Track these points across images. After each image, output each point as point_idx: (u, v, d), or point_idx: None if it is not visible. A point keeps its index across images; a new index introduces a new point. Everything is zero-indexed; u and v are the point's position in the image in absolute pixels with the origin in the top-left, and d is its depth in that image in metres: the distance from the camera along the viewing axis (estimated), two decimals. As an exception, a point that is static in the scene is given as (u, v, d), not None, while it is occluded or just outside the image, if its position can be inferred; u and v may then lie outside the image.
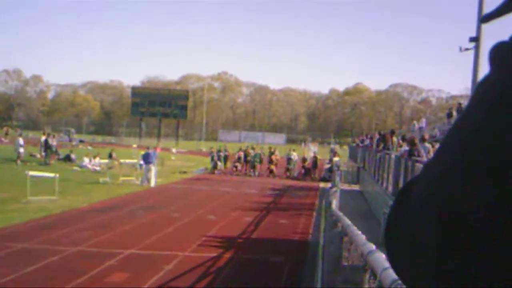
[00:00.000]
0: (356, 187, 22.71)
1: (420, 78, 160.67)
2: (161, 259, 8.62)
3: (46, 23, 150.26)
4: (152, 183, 19.93)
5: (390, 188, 13.01)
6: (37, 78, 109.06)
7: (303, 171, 28.75)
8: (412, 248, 0.40)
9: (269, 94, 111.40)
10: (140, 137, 63.41)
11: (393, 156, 13.27)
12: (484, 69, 0.40)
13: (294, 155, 29.42)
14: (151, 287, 7.15)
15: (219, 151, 29.71)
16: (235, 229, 11.86)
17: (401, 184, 11.81)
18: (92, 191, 16.96)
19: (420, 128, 30.37)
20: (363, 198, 18.99)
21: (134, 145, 39.22)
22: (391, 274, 1.76)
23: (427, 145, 11.69)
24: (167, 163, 30.44)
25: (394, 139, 16.98)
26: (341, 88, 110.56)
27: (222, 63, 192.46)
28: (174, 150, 46.08)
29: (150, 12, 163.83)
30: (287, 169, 28.50)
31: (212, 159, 29.05)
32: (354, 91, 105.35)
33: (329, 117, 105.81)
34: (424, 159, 10.12)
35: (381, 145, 17.09)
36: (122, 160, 23.02)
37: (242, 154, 29.20)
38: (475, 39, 17.06)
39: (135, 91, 67.49)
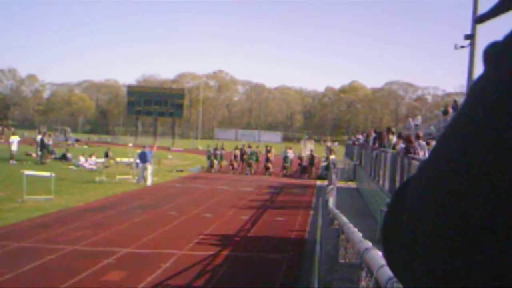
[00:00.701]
0: (352, 185, 22.76)
1: (416, 75, 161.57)
2: (158, 257, 8.62)
3: (41, 22, 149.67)
4: (149, 182, 19.91)
5: (386, 185, 13.05)
6: (32, 78, 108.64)
7: (299, 169, 28.76)
8: (409, 248, 0.40)
9: (265, 93, 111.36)
10: (136, 136, 63.24)
11: (389, 153, 13.30)
12: (480, 66, 0.41)
13: (291, 153, 29.44)
14: (148, 285, 7.14)
15: (215, 149, 29.69)
16: (232, 227, 11.87)
17: (397, 182, 11.85)
18: (88, 190, 16.92)
19: (416, 126, 30.44)
20: (360, 196, 19.03)
21: (130, 144, 39.07)
22: (387, 272, 1.77)
23: (422, 142, 11.71)
24: (164, 162, 30.41)
25: (391, 136, 17.01)
26: (337, 86, 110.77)
27: (218, 61, 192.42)
28: (172, 148, 46.01)
29: (145, 11, 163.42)
30: (284, 167, 28.53)
31: (209, 157, 29.04)
32: (350, 89, 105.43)
33: (325, 115, 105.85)
34: (421, 156, 10.15)
35: (377, 143, 17.12)
36: (118, 159, 22.99)
37: (238, 152, 29.20)
38: (470, 37, 17.11)
39: (131, 90, 67.22)
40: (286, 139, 78.61)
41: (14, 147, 25.72)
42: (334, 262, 4.07)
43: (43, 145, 26.48)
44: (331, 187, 11.33)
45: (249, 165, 28.28)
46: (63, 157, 28.35)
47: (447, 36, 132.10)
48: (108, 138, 69.02)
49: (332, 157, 28.23)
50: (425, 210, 0.38)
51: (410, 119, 34.34)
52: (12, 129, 38.31)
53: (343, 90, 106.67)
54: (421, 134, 12.78)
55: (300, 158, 30.12)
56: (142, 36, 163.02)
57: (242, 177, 26.18)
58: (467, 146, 0.36)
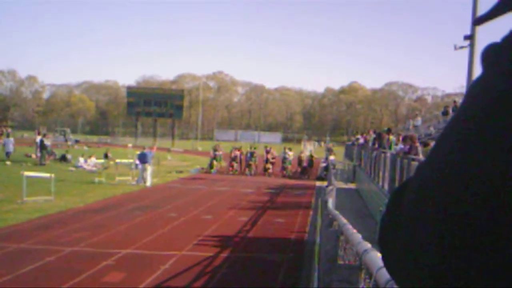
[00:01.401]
0: (352, 186, 22.74)
1: (416, 76, 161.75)
2: (158, 258, 8.61)
3: (41, 23, 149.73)
4: (148, 183, 19.89)
5: (386, 186, 13.04)
6: (32, 79, 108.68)
7: (299, 169, 28.75)
8: (407, 250, 0.40)
9: (264, 93, 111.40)
10: (136, 136, 63.28)
11: (389, 154, 13.29)
12: (479, 67, 0.41)
13: (290, 154, 29.40)
14: (148, 287, 7.14)
15: (215, 150, 29.66)
16: (231, 228, 11.86)
17: (397, 182, 11.84)
18: (88, 191, 16.91)
19: (416, 126, 30.45)
20: (359, 197, 19.01)
21: (130, 145, 39.08)
22: (386, 273, 1.76)
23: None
24: (163, 163, 30.39)
25: (391, 137, 17.00)
26: (336, 86, 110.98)
27: (218, 62, 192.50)
28: (172, 149, 46.01)
29: (145, 12, 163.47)
30: (283, 168, 28.50)
31: (214, 158, 28.97)
32: (350, 90, 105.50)
33: (325, 116, 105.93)
34: (421, 157, 10.14)
35: (377, 144, 17.11)
36: (117, 160, 22.96)
37: (237, 153, 29.18)
38: (470, 38, 17.12)
39: (131, 91, 67.22)
40: (285, 140, 78.67)
41: (9, 148, 25.94)
42: (333, 263, 4.06)
43: (42, 146, 26.49)
44: (330, 188, 11.32)
45: (249, 166, 28.27)
46: (63, 158, 28.34)
47: (446, 37, 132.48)
48: (108, 139, 69.03)
49: (332, 157, 28.21)
50: (423, 211, 0.38)
51: (410, 120, 34.34)
52: (9, 130, 38.16)
53: (342, 91, 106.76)
54: (418, 135, 12.78)
55: (300, 158, 30.07)
56: (142, 37, 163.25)
57: (241, 178, 26.15)
58: (465, 147, 0.36)
